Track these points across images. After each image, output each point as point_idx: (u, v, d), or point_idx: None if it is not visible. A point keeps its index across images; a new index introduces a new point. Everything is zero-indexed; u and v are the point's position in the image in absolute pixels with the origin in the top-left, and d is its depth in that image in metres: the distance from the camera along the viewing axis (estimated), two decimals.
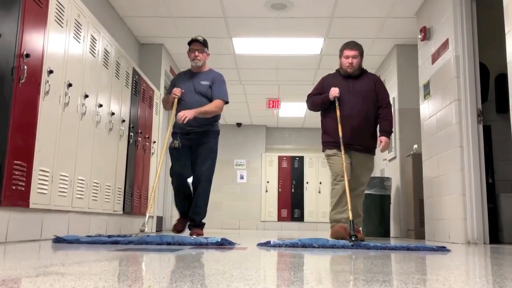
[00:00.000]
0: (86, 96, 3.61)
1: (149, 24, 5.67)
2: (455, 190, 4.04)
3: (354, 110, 3.92)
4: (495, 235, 4.15)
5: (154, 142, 5.67)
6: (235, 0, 5.01)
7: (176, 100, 4.01)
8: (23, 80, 2.66)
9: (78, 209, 3.53)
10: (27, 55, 2.69)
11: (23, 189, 2.72)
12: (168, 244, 2.61)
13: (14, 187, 2.62)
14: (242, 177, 10.75)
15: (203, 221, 4.14)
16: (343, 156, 3.78)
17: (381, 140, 3.97)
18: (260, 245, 2.74)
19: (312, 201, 10.55)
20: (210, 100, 4.04)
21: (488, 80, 4.84)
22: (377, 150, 4.12)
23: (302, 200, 10.57)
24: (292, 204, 10.58)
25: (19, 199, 2.70)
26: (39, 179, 2.91)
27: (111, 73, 4.23)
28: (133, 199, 4.88)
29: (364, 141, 3.96)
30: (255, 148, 10.88)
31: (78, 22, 3.49)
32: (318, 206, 10.53)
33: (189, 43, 4.17)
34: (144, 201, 5.26)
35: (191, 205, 4.08)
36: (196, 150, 4.07)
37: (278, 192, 10.63)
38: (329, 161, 4.08)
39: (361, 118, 3.93)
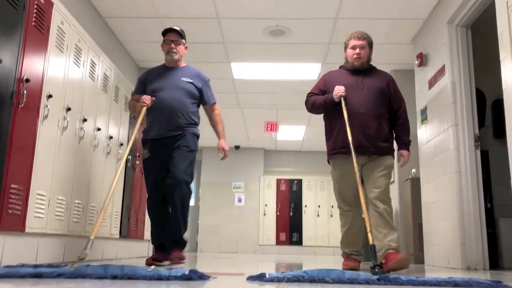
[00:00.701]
0: (85, 120, 3.62)
1: (148, 49, 5.73)
2: (453, 215, 4.02)
3: (364, 107, 3.22)
4: (495, 261, 4.11)
5: None
6: (234, 27, 5.08)
7: (144, 109, 3.35)
8: (22, 105, 2.67)
9: (74, 233, 3.50)
10: (27, 80, 2.71)
11: (19, 213, 2.70)
12: (114, 278, 1.93)
13: (10, 211, 2.60)
14: (240, 200, 10.71)
15: (184, 237, 3.41)
16: (355, 164, 2.98)
17: (402, 154, 3.33)
18: (252, 279, 2.06)
19: (311, 224, 10.48)
20: (197, 100, 3.54)
21: (485, 105, 4.88)
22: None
23: (300, 223, 10.50)
24: (290, 227, 10.50)
25: (15, 223, 2.68)
26: (36, 203, 2.90)
27: (110, 97, 4.25)
28: (130, 222, 4.84)
29: (379, 143, 3.22)
30: (253, 170, 10.86)
31: (78, 47, 3.53)
32: (316, 230, 10.45)
33: (163, 34, 3.57)
34: (141, 225, 5.22)
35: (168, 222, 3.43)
36: (171, 152, 3.36)
37: (277, 215, 10.57)
38: (335, 176, 3.35)
39: (373, 116, 3.22)
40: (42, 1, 2.91)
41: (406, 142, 3.36)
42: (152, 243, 3.51)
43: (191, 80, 3.50)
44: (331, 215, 10.44)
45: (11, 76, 2.60)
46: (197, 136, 3.50)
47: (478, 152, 4.03)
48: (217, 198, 10.69)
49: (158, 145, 3.39)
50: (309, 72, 6.30)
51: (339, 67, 3.53)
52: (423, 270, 3.72)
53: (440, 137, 4.37)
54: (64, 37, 3.26)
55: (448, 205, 4.13)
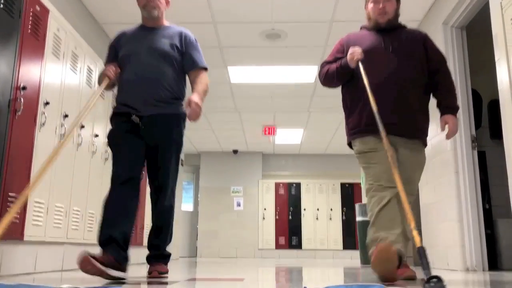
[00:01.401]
0: (82, 126, 3.62)
1: None
2: (451, 217, 4.03)
3: (394, 75, 2.56)
4: (493, 262, 4.12)
5: None
6: (230, 31, 5.10)
7: (106, 83, 2.60)
8: (19, 112, 2.67)
9: (73, 241, 3.49)
10: (24, 88, 2.71)
11: (17, 221, 2.69)
12: None
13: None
14: (239, 204, 10.70)
15: (167, 250, 2.75)
16: (385, 142, 2.33)
17: (446, 120, 2.60)
18: None
19: (310, 228, 10.47)
20: (177, 65, 2.70)
21: (481, 106, 4.89)
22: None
23: (299, 227, 10.49)
24: (289, 231, 10.49)
25: (13, 231, 2.67)
26: (34, 210, 2.89)
27: (107, 103, 4.25)
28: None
29: (413, 120, 2.58)
30: (251, 175, 10.86)
31: (75, 54, 3.53)
32: (316, 233, 10.45)
33: None
34: (140, 230, 5.21)
35: (135, 227, 2.78)
36: (152, 144, 2.62)
37: (276, 219, 10.56)
38: (363, 159, 2.63)
39: (405, 85, 2.56)
40: (38, 9, 2.92)
41: (450, 105, 2.62)
42: (99, 239, 2.40)
43: (174, 42, 2.71)
44: (330, 218, 10.45)
45: (8, 84, 2.60)
46: (183, 118, 2.70)
47: (475, 153, 4.04)
48: (216, 203, 10.68)
49: (133, 123, 2.60)
50: (306, 75, 6.31)
51: (360, 28, 2.83)
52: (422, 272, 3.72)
53: (437, 138, 4.38)
54: (61, 44, 3.26)
55: (446, 207, 4.14)
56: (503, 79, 3.03)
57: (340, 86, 2.79)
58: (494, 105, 4.67)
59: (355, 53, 2.56)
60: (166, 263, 2.71)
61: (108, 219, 2.42)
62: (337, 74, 2.65)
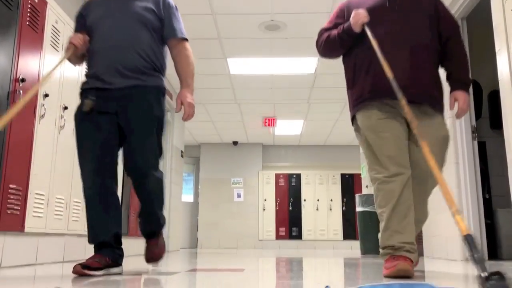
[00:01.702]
0: None
1: None
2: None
3: (403, 37, 2.26)
4: (493, 252, 4.14)
5: None
6: (229, 22, 5.07)
7: (71, 51, 2.23)
8: None
9: (73, 232, 3.51)
10: (23, 80, 2.70)
11: (18, 213, 2.70)
12: None
13: (9, 211, 2.60)
14: (239, 196, 10.72)
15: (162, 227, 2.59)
16: (406, 106, 1.98)
17: (456, 96, 2.29)
18: None
19: (310, 218, 10.50)
20: (154, 31, 2.34)
21: (482, 96, 4.89)
22: None
23: (300, 218, 10.52)
24: (290, 222, 10.53)
25: (14, 223, 2.68)
26: (35, 202, 2.90)
27: None
28: (130, 220, 4.85)
29: (427, 86, 2.26)
30: (251, 166, 10.87)
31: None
32: (316, 223, 10.48)
33: None
34: None
35: (118, 222, 2.29)
36: (126, 121, 2.23)
37: (276, 210, 10.59)
38: (365, 136, 2.29)
39: (415, 47, 2.24)
40: (36, 1, 2.90)
41: (462, 79, 2.32)
42: (90, 241, 2.25)
43: (149, 6, 2.35)
44: (330, 209, 10.48)
45: (7, 76, 2.59)
46: (163, 92, 2.36)
47: (476, 143, 4.05)
48: (216, 194, 10.70)
49: (103, 97, 2.22)
50: (306, 67, 6.29)
51: None
52: (422, 262, 3.74)
53: None
54: (59, 36, 3.25)
55: None
56: (503, 69, 3.02)
57: (342, 57, 2.49)
58: (494, 96, 4.66)
59: (359, 15, 2.26)
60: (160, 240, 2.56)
61: (94, 221, 2.22)
62: (339, 41, 2.35)
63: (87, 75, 2.30)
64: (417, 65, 2.22)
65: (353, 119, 2.39)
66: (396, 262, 1.99)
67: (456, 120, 4.07)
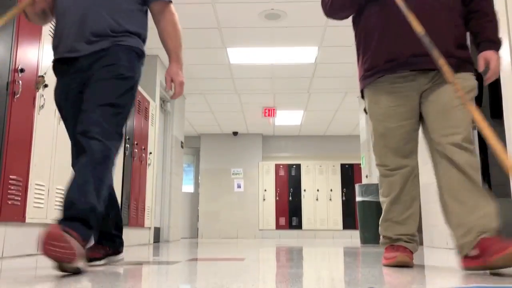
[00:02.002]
0: None
1: None
2: None
3: None
4: None
5: (150, 153, 5.67)
6: (229, 11, 5.04)
7: (26, 2, 1.94)
8: (18, 95, 2.66)
9: None
10: (22, 70, 2.69)
11: (19, 203, 2.71)
12: None
13: (10, 202, 2.61)
14: (239, 186, 10.75)
15: (89, 216, 1.74)
16: (445, 66, 1.76)
17: (487, 57, 1.96)
18: None
19: (310, 208, 10.54)
20: None
21: (482, 86, 4.86)
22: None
23: (300, 208, 10.56)
24: (290, 212, 10.56)
25: (15, 214, 2.69)
26: (35, 193, 2.91)
27: None
28: (130, 210, 4.86)
29: (455, 50, 1.96)
30: (251, 156, 10.88)
31: None
32: (316, 213, 10.52)
33: None
34: (141, 212, 5.24)
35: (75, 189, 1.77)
36: (90, 80, 1.90)
37: (276, 200, 10.63)
38: (375, 111, 2.09)
39: (440, 7, 1.97)
40: None
41: (491, 38, 2.00)
42: None
43: None
44: (330, 199, 10.51)
45: (6, 66, 2.58)
46: (138, 53, 2.00)
47: (476, 132, 4.04)
48: (217, 185, 10.73)
49: (68, 69, 1.95)
50: (306, 56, 6.27)
51: None
52: (422, 251, 3.76)
53: None
54: None
55: None
56: (504, 58, 3.00)
57: (351, 19, 2.23)
58: (495, 85, 4.65)
59: None
60: (83, 235, 1.68)
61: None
62: None
63: (53, 44, 2.00)
64: (445, 28, 1.96)
65: (362, 92, 2.18)
66: (395, 253, 2.00)
67: None
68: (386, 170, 2.11)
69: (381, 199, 2.16)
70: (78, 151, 1.82)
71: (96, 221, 1.77)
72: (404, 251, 2.02)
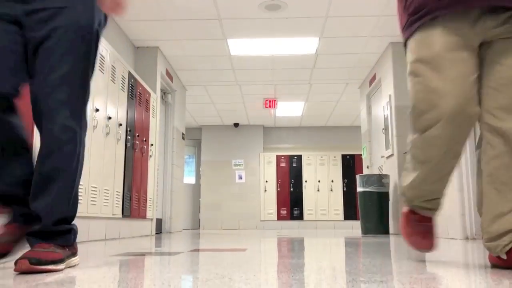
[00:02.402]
0: None
1: (144, 27, 5.67)
2: (452, 187, 4.06)
3: None
4: None
5: (152, 144, 5.68)
6: (229, 2, 5.02)
7: None
8: None
9: (77, 214, 3.53)
10: None
11: None
12: None
13: None
14: (240, 177, 10.77)
15: (69, 221, 1.71)
16: None
17: None
18: None
19: (311, 199, 10.57)
20: None
21: None
22: None
23: (301, 198, 10.59)
24: (291, 203, 10.60)
25: None
26: None
27: (107, 77, 4.23)
28: (132, 202, 4.88)
29: None
30: (253, 148, 10.90)
31: None
32: (317, 204, 10.55)
33: None
34: (143, 204, 5.27)
35: (27, 177, 1.61)
36: (39, 34, 1.56)
37: (277, 191, 10.66)
38: (425, 58, 1.52)
39: None
40: None
41: None
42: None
43: None
44: (331, 190, 10.53)
45: None
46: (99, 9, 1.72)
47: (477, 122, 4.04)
48: (218, 176, 10.75)
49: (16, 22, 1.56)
50: (307, 47, 6.25)
51: None
52: None
53: None
54: None
55: None
56: None
57: None
58: None
59: None
60: (60, 244, 1.53)
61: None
62: None
63: None
64: None
65: (405, 46, 1.66)
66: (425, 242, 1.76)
67: None
68: (424, 126, 1.61)
69: (415, 166, 1.68)
70: (36, 118, 1.64)
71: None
72: (422, 230, 1.77)
